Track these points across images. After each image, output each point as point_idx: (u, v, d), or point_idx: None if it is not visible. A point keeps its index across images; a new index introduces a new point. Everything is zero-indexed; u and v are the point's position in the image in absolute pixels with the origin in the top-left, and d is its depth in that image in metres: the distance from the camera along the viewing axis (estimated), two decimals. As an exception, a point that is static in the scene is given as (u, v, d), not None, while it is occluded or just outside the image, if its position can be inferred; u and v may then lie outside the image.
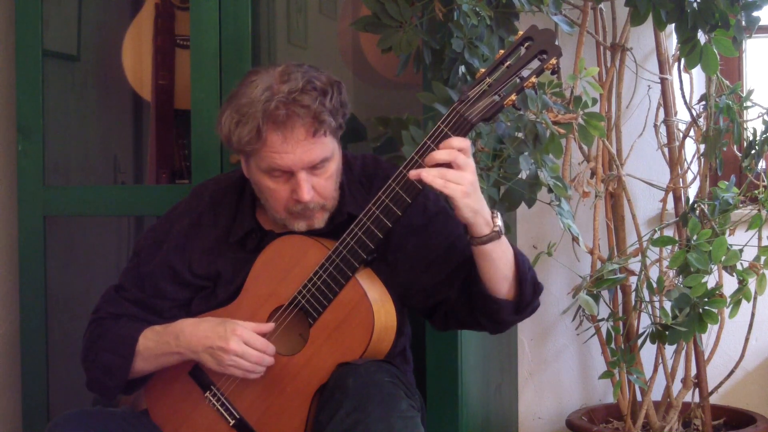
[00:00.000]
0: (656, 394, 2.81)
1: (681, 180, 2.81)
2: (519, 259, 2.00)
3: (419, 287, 2.07)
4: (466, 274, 2.03)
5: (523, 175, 2.25)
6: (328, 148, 1.98)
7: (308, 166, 1.97)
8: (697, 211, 2.54)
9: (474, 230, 1.92)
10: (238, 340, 1.95)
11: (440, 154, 1.87)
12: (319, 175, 1.99)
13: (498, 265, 1.95)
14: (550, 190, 2.28)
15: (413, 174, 1.88)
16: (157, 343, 2.04)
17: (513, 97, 1.88)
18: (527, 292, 2.01)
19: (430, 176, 1.86)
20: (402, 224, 1.99)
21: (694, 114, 2.76)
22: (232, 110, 1.97)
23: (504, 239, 1.95)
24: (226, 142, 2.01)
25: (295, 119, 1.93)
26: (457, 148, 1.87)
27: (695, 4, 2.38)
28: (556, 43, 1.90)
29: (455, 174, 1.86)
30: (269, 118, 1.93)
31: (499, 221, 1.93)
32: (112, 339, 2.08)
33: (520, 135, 2.24)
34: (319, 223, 2.04)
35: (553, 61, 1.88)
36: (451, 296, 2.06)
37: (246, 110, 1.95)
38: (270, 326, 2.00)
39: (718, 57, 2.41)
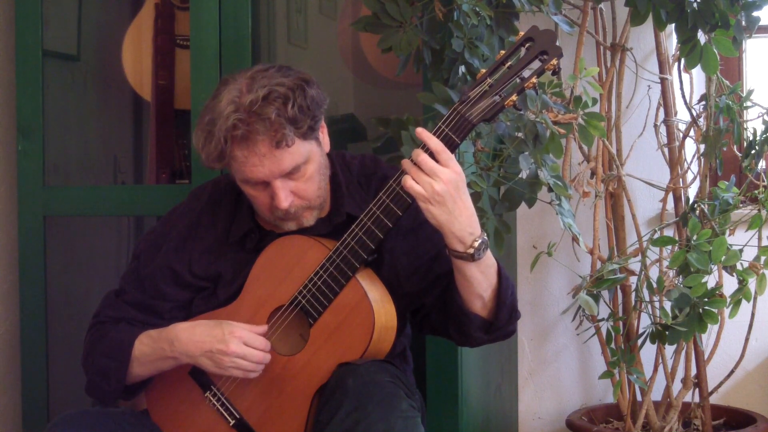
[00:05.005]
0: (656, 394, 2.81)
1: (681, 180, 2.81)
2: (503, 283, 1.98)
3: (402, 292, 2.06)
4: (446, 284, 2.03)
5: (524, 174, 2.25)
6: (299, 154, 1.96)
7: (280, 176, 1.96)
8: (697, 211, 2.54)
9: (445, 240, 1.91)
10: (239, 342, 1.95)
11: (414, 154, 1.86)
12: (297, 179, 1.98)
13: (472, 283, 1.94)
14: (550, 190, 2.28)
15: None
16: (152, 349, 2.04)
17: (514, 97, 1.88)
18: (502, 318, 2.00)
19: (406, 174, 1.86)
20: None
21: (694, 114, 2.76)
22: (200, 127, 1.97)
23: (484, 262, 1.93)
24: (199, 158, 2.00)
25: (255, 135, 1.91)
26: (433, 150, 1.86)
27: (695, 4, 2.38)
28: (557, 43, 1.90)
29: (422, 177, 1.85)
30: (230, 136, 1.92)
31: (477, 244, 1.89)
32: (109, 343, 2.07)
33: (520, 135, 2.24)
34: (308, 222, 2.04)
35: (554, 61, 1.88)
36: (426, 303, 2.07)
37: (210, 128, 1.95)
38: (263, 328, 1.99)
39: (718, 57, 2.41)
